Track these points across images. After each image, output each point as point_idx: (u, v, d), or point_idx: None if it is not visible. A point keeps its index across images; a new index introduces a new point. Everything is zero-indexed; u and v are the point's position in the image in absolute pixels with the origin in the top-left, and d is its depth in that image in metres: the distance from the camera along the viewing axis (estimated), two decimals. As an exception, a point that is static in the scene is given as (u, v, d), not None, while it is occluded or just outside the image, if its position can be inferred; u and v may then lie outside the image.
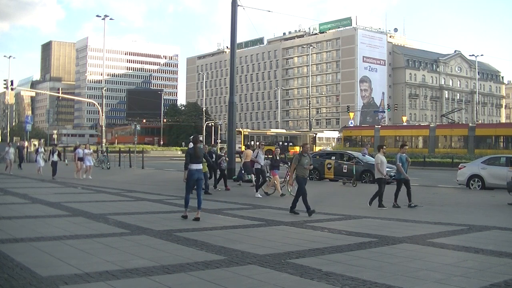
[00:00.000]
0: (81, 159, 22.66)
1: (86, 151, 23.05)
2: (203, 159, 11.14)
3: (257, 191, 16.09)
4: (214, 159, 18.24)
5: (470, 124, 54.78)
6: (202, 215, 10.59)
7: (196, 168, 10.42)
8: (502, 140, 43.18)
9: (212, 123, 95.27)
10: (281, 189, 16.29)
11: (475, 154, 38.41)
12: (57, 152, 23.29)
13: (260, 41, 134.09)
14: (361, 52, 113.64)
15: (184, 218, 10.34)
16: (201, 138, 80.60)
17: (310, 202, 14.96)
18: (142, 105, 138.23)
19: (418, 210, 12.92)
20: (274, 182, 16.25)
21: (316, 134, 69.43)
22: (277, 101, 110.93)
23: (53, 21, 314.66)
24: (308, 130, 77.39)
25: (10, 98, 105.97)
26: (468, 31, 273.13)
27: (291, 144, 62.03)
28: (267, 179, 16.83)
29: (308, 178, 12.23)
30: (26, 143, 38.26)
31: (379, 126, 59.77)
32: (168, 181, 19.75)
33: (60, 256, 6.51)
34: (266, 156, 18.92)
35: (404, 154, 14.06)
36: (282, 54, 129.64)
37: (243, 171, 20.38)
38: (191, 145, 11.48)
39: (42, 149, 26.57)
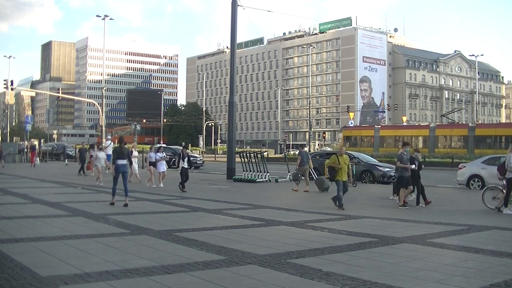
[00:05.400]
0: (153, 164, 19.35)
1: (160, 155, 19.38)
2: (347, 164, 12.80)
3: (506, 205, 12.39)
4: (417, 167, 13.91)
5: (470, 124, 54.79)
6: (202, 215, 10.82)
7: (121, 163, 12.41)
8: (502, 140, 43.18)
9: (212, 123, 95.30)
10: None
11: (475, 154, 38.42)
12: (187, 158, 17.94)
13: (260, 41, 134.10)
14: (361, 52, 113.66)
15: (112, 205, 12.15)
16: (201, 139, 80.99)
17: (311, 201, 15.00)
18: (142, 105, 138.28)
19: (418, 210, 12.92)
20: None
21: None
22: (277, 101, 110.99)
23: (51, 21, 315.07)
24: None
25: (10, 98, 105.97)
26: (468, 31, 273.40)
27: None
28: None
29: None
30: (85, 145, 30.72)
31: (379, 126, 59.80)
32: (168, 181, 19.69)
33: (60, 256, 6.51)
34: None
35: None
36: (282, 54, 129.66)
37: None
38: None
39: (136, 153, 21.76)
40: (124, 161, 12.55)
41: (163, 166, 19.22)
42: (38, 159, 34.82)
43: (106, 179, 19.67)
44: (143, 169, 25.02)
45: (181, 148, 19.08)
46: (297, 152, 20.59)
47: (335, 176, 12.95)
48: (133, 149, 21.36)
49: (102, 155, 21.35)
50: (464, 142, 45.10)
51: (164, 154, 19.85)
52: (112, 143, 25.75)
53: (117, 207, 12.08)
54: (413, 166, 13.54)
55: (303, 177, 18.66)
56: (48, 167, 33.04)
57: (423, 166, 14.72)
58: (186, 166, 17.35)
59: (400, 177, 13.59)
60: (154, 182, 19.23)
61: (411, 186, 13.50)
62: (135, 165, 20.92)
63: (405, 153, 13.76)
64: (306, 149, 17.95)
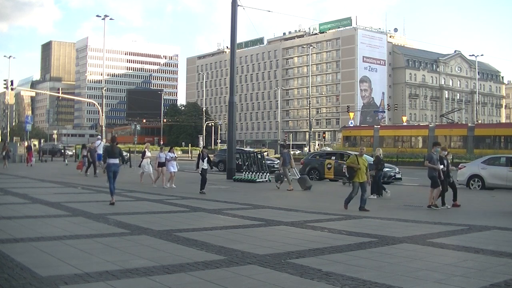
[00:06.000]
0: (162, 164, 19.09)
1: (170, 155, 19.13)
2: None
3: None
4: (446, 166, 13.54)
5: (469, 124, 54.81)
6: (202, 215, 10.98)
7: (113, 162, 12.55)
8: (501, 140, 43.16)
9: (212, 123, 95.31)
10: None
11: (474, 154, 38.42)
12: (207, 158, 17.29)
13: (260, 41, 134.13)
14: (361, 52, 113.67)
15: (112, 205, 12.14)
16: (201, 139, 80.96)
17: (311, 201, 15.01)
18: (142, 105, 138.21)
19: (418, 210, 12.92)
20: None
21: None
22: (277, 101, 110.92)
23: (51, 21, 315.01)
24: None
25: (10, 98, 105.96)
26: (468, 31, 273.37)
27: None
28: None
29: None
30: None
31: (379, 126, 59.81)
32: (177, 182, 19.61)
33: (60, 256, 6.51)
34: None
35: None
36: (282, 54, 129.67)
37: None
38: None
39: (149, 153, 21.09)
40: (116, 160, 12.68)
41: (173, 167, 18.87)
42: (34, 159, 35.54)
43: (121, 180, 19.29)
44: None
45: (202, 148, 18.46)
46: (299, 152, 20.67)
47: (354, 177, 12.69)
48: (146, 150, 21.08)
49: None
50: (463, 142, 45.08)
51: (175, 155, 19.54)
52: (102, 142, 26.60)
53: (117, 207, 12.09)
54: (442, 166, 13.25)
55: (301, 176, 18.81)
56: (48, 167, 33.05)
57: (449, 166, 14.04)
58: (205, 167, 16.86)
59: (432, 177, 13.17)
60: (164, 182, 18.90)
61: (440, 187, 13.15)
62: (149, 166, 20.52)
63: (435, 153, 13.38)
64: (304, 150, 17.97)
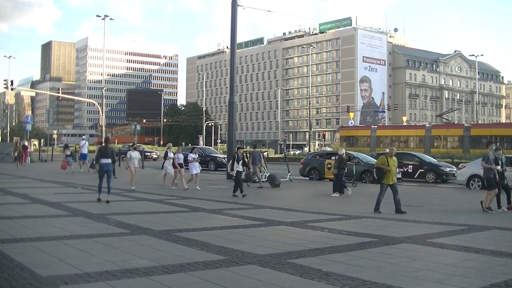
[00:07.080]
0: (181, 165, 18.48)
1: (192, 155, 18.47)
2: None
3: None
4: (502, 167, 12.96)
5: (466, 124, 54.78)
6: (202, 215, 11.00)
7: (105, 162, 13.09)
8: (497, 140, 43.08)
9: (212, 123, 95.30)
10: None
11: (470, 154, 38.45)
12: (242, 160, 16.78)
13: (260, 41, 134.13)
14: (361, 52, 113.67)
15: (99, 201, 12.93)
16: (201, 139, 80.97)
17: (310, 201, 15.01)
18: (142, 105, 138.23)
19: (418, 210, 12.91)
20: None
21: None
22: (277, 101, 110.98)
23: (51, 21, 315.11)
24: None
25: (10, 98, 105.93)
26: (468, 31, 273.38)
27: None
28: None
29: None
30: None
31: (376, 126, 59.70)
32: (168, 181, 19.63)
33: (60, 256, 6.51)
34: None
35: None
36: (282, 54, 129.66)
37: None
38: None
39: (172, 154, 19.74)
40: (108, 160, 13.17)
41: (196, 168, 18.28)
42: (29, 158, 36.41)
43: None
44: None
45: (237, 149, 17.52)
46: (299, 152, 21.28)
47: (383, 178, 12.09)
48: (168, 150, 19.91)
49: (135, 154, 19.13)
50: (460, 142, 44.97)
51: (197, 156, 18.93)
52: (87, 142, 27.68)
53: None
54: (499, 167, 12.67)
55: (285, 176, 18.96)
56: (47, 167, 33.02)
57: (504, 166, 13.33)
58: (240, 170, 16.29)
59: (488, 179, 12.58)
60: (178, 183, 18.41)
61: (496, 189, 12.52)
62: (170, 167, 19.39)
63: (490, 152, 12.77)
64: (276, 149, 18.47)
